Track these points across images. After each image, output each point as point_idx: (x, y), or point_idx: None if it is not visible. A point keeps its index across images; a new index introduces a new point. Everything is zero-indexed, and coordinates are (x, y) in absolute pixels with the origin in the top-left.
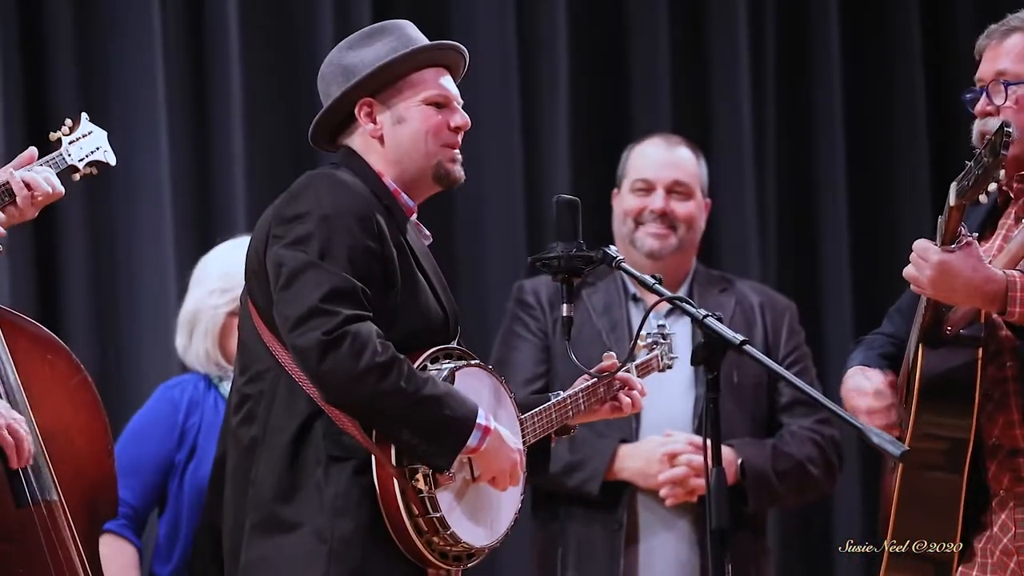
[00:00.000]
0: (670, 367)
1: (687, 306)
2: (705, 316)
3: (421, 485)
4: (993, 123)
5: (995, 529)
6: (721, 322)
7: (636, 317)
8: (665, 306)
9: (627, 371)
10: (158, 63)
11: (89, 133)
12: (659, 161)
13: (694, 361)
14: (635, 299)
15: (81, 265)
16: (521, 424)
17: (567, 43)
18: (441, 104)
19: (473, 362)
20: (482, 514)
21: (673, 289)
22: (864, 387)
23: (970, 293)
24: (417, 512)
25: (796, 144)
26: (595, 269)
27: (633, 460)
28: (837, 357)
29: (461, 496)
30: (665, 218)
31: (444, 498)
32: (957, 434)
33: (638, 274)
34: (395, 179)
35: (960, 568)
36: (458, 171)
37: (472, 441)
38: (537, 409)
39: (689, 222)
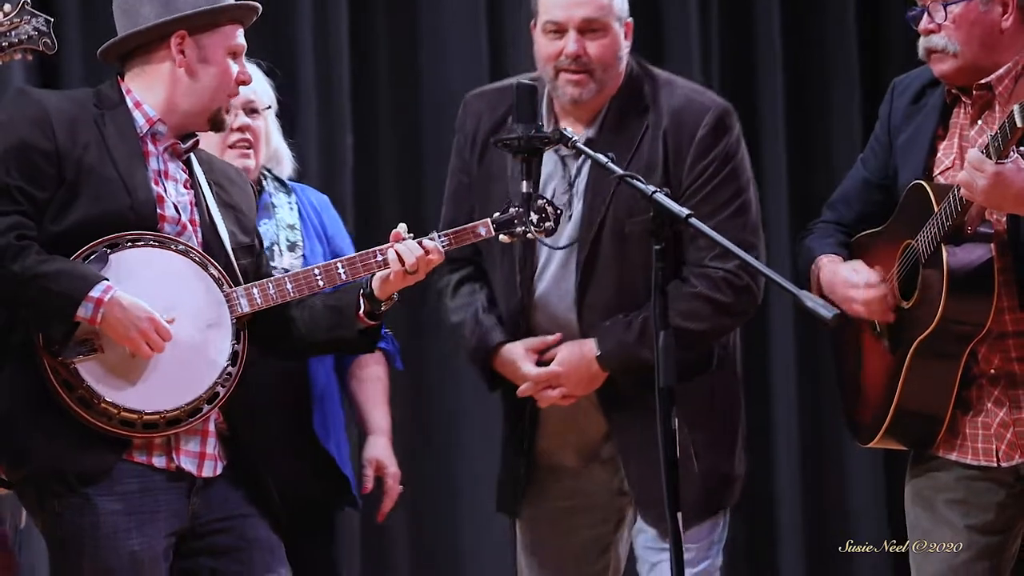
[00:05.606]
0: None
1: (636, 182)
2: (653, 192)
3: (64, 360)
4: (936, 40)
5: (989, 404)
6: (670, 197)
7: (549, 154)
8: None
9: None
10: None
11: (27, 18)
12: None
13: (646, 234)
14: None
15: None
16: (229, 297)
17: None
18: (236, 55)
19: (152, 243)
20: (157, 381)
21: (594, 117)
22: (855, 280)
23: (1017, 201)
24: (74, 386)
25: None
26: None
27: (508, 363)
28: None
29: (119, 367)
30: (580, 61)
31: (91, 371)
32: (976, 319)
33: (592, 154)
34: (166, 108)
35: (948, 437)
36: (228, 120)
37: (84, 312)
38: (258, 281)
39: (604, 63)
